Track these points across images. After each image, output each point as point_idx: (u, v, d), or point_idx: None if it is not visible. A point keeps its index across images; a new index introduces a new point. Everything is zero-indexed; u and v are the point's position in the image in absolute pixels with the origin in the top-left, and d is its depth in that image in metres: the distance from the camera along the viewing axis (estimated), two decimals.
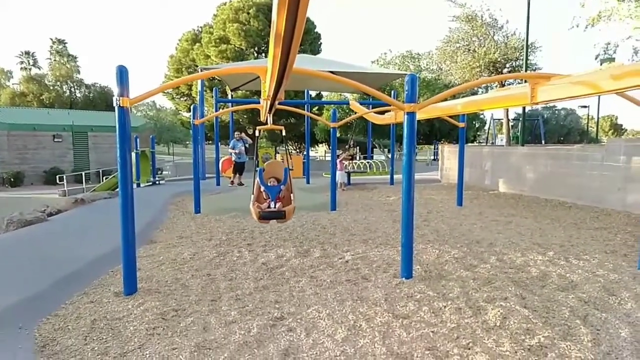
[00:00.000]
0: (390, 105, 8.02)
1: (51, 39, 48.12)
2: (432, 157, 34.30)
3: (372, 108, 12.01)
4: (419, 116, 5.60)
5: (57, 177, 21.63)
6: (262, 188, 5.50)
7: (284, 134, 5.85)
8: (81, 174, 20.91)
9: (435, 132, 35.06)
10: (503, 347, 3.03)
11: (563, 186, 10.69)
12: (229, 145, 14.34)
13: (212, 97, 19.65)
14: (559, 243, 6.16)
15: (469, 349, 3.01)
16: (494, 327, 3.36)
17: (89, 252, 5.36)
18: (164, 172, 20.35)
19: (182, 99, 32.76)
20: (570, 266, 5.00)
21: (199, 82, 18.53)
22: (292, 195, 5.51)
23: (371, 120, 12.26)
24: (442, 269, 4.90)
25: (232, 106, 17.51)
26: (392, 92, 19.09)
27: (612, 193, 9.23)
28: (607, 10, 13.20)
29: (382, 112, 10.97)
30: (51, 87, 44.48)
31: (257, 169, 5.58)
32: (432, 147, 36.99)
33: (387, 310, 3.70)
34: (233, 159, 13.83)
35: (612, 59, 21.95)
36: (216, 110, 15.90)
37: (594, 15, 13.62)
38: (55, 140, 25.53)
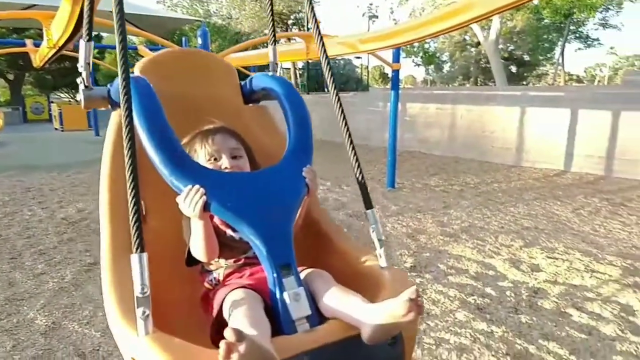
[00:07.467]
0: None
1: None
2: None
3: None
4: None
5: None
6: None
7: None
8: None
9: None
10: None
11: (341, 129, 12.51)
12: None
13: None
14: (335, 175, 7.52)
15: None
16: None
17: None
18: None
19: None
20: (342, 192, 6.30)
21: None
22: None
23: None
24: None
25: None
26: (183, 38, 18.51)
27: (375, 132, 11.35)
28: None
29: None
30: None
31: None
32: None
33: None
34: None
35: (375, 16, 25.47)
36: None
37: None
38: None
